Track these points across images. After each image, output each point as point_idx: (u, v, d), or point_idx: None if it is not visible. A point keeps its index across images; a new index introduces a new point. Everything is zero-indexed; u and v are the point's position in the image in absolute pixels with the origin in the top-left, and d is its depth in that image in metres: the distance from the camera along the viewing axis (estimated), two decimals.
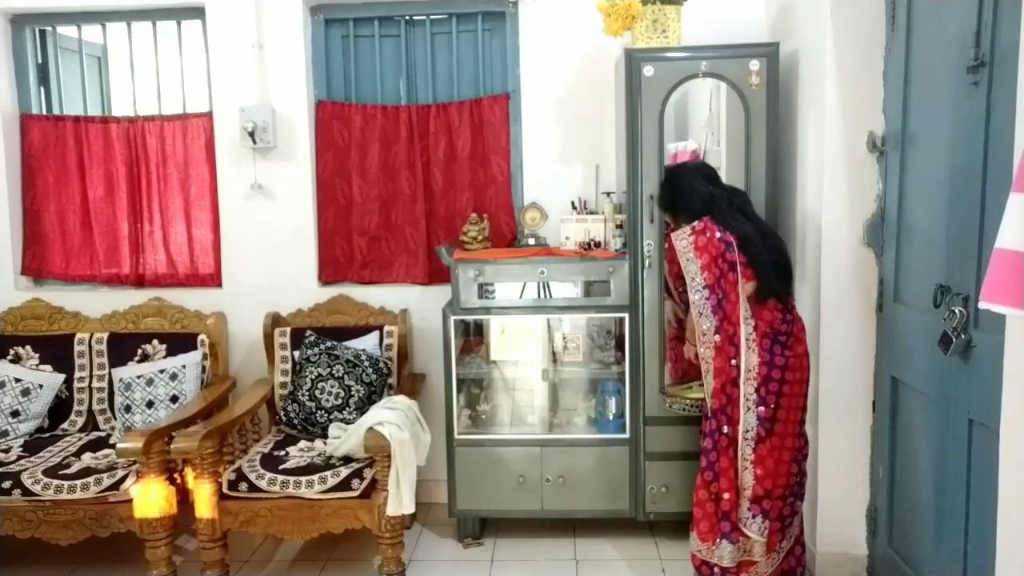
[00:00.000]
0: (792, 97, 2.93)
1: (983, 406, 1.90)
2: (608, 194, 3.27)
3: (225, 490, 2.76)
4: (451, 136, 3.50)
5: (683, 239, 2.53)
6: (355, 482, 2.74)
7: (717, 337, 2.48)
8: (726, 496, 2.51)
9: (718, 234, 2.47)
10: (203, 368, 3.33)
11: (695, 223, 2.52)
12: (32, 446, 3.08)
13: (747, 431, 2.49)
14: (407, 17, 3.53)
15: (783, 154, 2.95)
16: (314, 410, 3.13)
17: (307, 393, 3.15)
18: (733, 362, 2.49)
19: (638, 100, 2.87)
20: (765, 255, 2.50)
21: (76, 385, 3.36)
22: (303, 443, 3.07)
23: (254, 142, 3.41)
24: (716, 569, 2.55)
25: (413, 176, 3.51)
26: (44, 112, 3.66)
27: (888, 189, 2.55)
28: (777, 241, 2.62)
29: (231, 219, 3.55)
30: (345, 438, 2.83)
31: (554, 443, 3.13)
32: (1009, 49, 1.73)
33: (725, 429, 2.51)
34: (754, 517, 2.51)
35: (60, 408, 3.34)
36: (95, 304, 3.54)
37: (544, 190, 3.44)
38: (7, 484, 2.75)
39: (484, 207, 3.49)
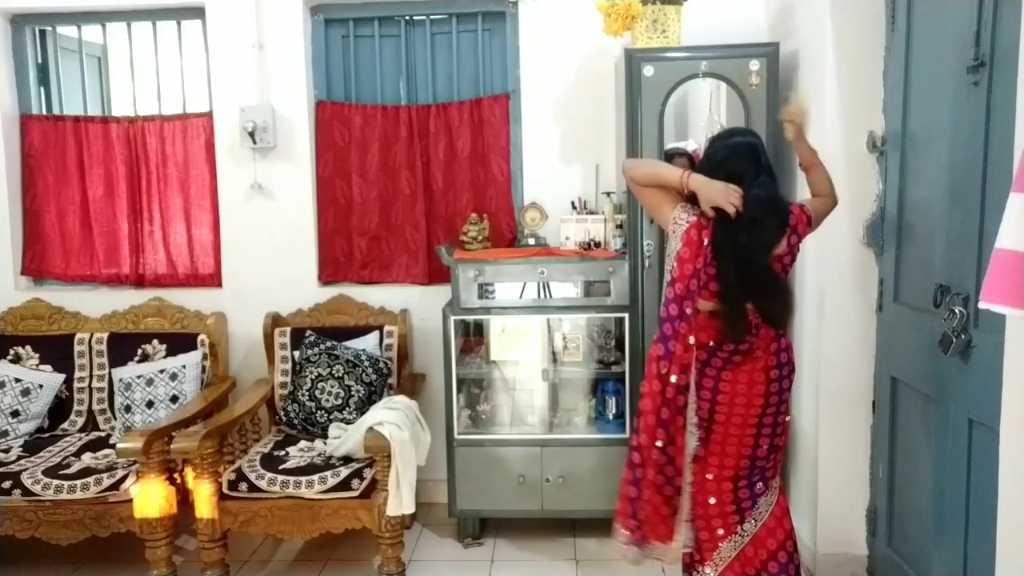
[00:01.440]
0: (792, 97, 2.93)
1: (983, 406, 1.90)
2: (608, 194, 3.26)
3: (225, 490, 2.76)
4: (451, 136, 3.50)
5: (689, 212, 2.18)
6: (355, 482, 2.75)
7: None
8: None
9: (706, 241, 2.14)
10: (203, 368, 3.33)
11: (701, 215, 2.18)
12: (32, 446, 3.08)
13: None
14: (407, 17, 3.53)
15: (783, 154, 2.95)
16: (314, 410, 3.13)
17: (307, 393, 3.15)
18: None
19: (638, 100, 2.87)
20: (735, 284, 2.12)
21: (76, 385, 3.36)
22: (303, 443, 3.07)
23: (254, 142, 3.41)
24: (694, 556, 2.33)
25: (413, 176, 3.51)
26: (44, 112, 3.66)
27: (888, 189, 2.55)
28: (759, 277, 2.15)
29: (231, 219, 3.55)
30: (345, 438, 2.83)
31: (554, 443, 3.13)
32: (1009, 49, 1.73)
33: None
34: None
35: (60, 408, 3.34)
36: (95, 304, 3.54)
37: (544, 190, 3.44)
38: (7, 484, 2.75)
39: (484, 207, 3.49)
